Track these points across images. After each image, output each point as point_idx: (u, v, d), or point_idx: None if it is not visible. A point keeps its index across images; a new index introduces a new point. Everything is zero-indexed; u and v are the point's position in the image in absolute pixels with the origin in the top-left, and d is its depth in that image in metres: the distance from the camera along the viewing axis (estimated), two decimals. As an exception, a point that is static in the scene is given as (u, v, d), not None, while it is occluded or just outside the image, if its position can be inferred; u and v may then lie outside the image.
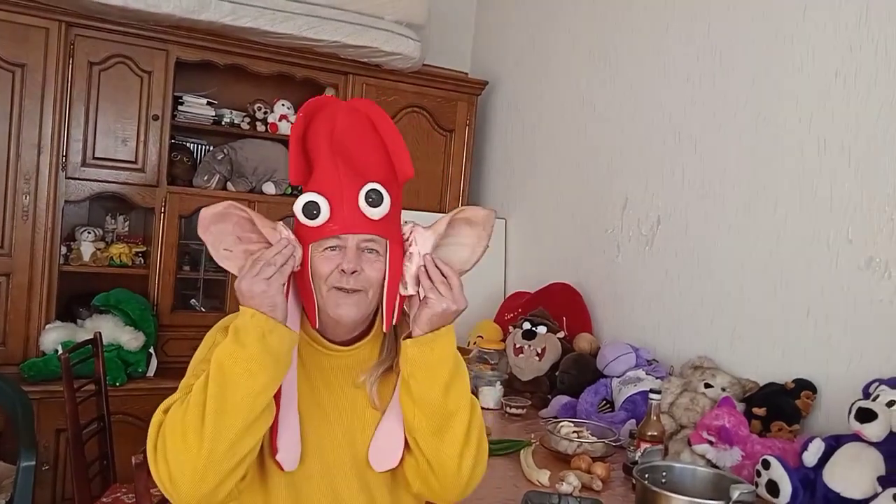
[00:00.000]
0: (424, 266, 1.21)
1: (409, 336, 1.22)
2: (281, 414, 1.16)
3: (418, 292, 1.21)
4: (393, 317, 1.22)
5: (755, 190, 2.23)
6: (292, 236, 1.18)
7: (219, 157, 3.12)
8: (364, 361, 1.29)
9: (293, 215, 1.20)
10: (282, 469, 1.17)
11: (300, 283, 1.21)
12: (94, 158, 2.89)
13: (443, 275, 1.20)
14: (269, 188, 3.17)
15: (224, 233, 1.17)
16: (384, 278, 1.20)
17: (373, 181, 1.18)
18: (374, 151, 1.21)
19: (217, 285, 3.26)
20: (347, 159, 1.18)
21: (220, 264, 1.17)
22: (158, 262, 3.03)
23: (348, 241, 1.18)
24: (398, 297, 1.22)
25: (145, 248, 3.09)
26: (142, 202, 2.98)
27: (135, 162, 2.95)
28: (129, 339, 2.81)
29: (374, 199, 1.17)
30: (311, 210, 1.16)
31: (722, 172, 2.35)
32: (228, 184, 3.13)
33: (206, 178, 3.09)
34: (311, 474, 1.22)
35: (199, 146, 3.36)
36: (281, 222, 1.19)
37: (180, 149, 3.16)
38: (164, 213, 3.00)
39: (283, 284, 1.13)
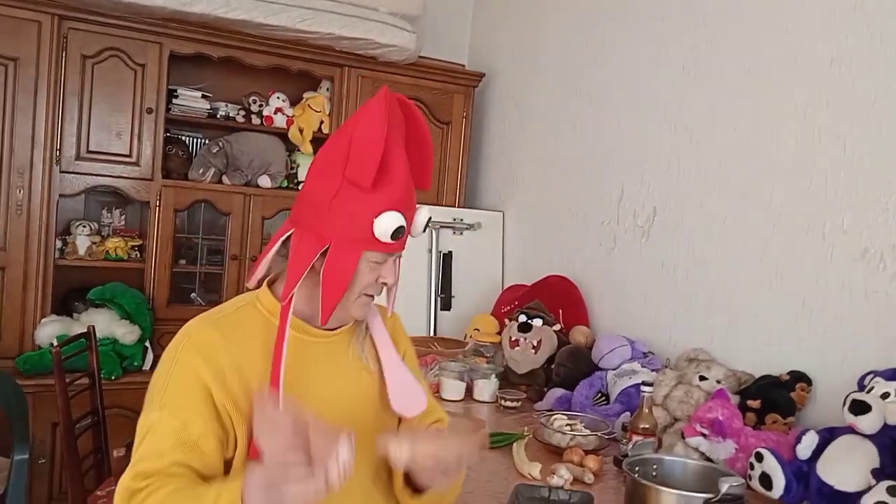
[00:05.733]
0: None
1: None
2: None
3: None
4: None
5: (750, 180, 2.21)
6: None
7: (214, 151, 3.10)
8: (347, 342, 1.31)
9: (326, 207, 1.15)
10: None
11: (330, 281, 1.17)
12: (89, 152, 2.89)
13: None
14: (264, 181, 3.16)
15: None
16: None
17: (420, 203, 1.23)
18: (422, 165, 1.24)
19: (214, 279, 3.25)
20: (412, 175, 1.21)
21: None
22: (154, 256, 3.02)
23: (394, 255, 1.22)
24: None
25: (141, 242, 3.09)
26: (137, 196, 2.98)
27: (129, 155, 2.94)
28: (125, 332, 2.81)
29: (427, 226, 1.25)
30: (399, 234, 1.17)
31: (717, 163, 2.33)
32: (224, 177, 3.12)
33: (201, 171, 3.07)
34: None
35: (194, 139, 3.35)
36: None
37: (175, 142, 3.15)
38: (160, 206, 2.99)
39: None
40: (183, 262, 3.20)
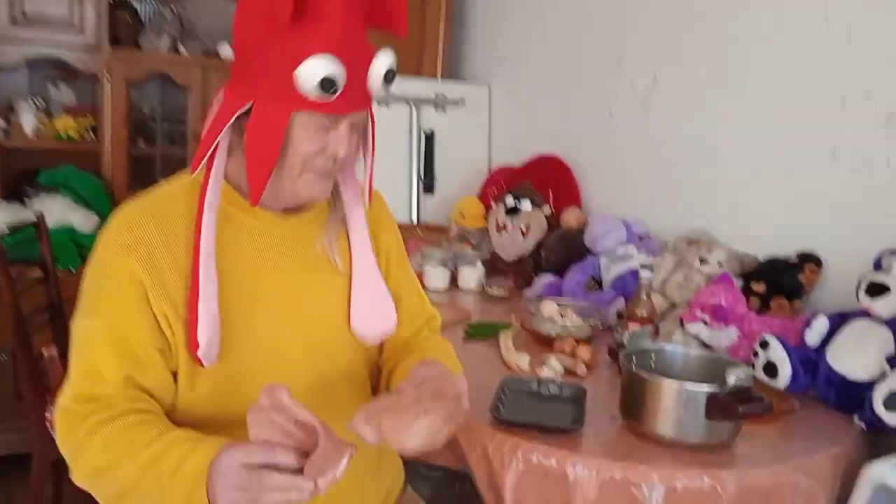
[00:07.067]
0: None
1: None
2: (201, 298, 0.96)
3: None
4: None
5: (762, 38, 1.97)
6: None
7: (167, 16, 2.80)
8: (314, 229, 1.11)
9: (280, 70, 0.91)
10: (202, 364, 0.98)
11: (254, 149, 0.96)
12: (24, 18, 2.57)
13: None
14: (225, 50, 2.84)
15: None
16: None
17: (384, 47, 0.96)
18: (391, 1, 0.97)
19: (175, 161, 3.01)
20: (378, 15, 0.96)
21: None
22: (109, 136, 2.77)
23: (343, 120, 0.96)
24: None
25: (95, 122, 2.83)
26: (83, 67, 2.70)
27: (71, 21, 2.63)
28: (81, 219, 2.61)
29: (390, 78, 0.98)
30: (329, 87, 0.90)
31: (725, 19, 2.08)
32: (179, 45, 2.82)
33: (153, 38, 2.77)
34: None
35: (144, 4, 3.01)
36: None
37: (122, 6, 2.83)
38: (110, 79, 2.71)
39: None
40: (143, 145, 2.95)
